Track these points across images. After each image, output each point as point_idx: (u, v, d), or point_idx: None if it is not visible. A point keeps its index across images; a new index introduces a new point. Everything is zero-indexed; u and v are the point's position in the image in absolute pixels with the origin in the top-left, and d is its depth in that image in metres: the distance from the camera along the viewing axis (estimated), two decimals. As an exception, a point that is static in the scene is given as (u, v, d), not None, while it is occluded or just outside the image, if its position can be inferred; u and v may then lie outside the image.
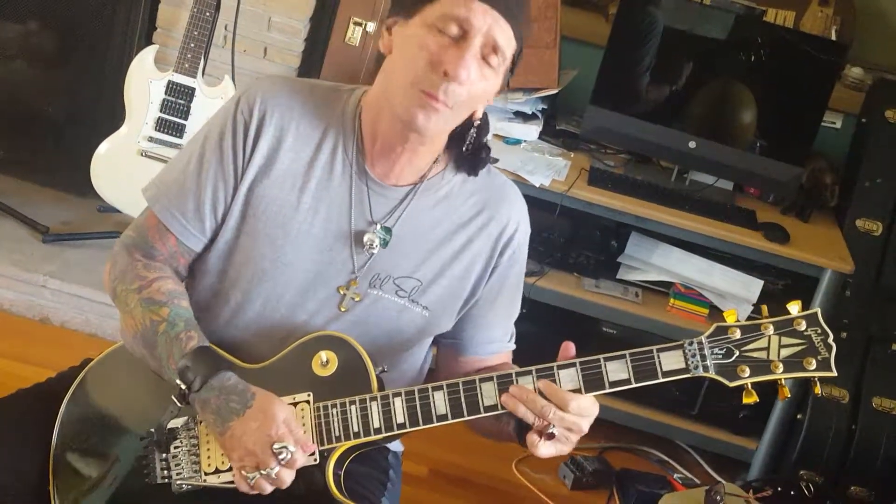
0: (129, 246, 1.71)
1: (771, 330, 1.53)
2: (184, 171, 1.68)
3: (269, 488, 1.53)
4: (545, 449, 1.52)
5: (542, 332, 3.31)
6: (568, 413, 1.51)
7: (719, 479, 3.23)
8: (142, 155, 3.19)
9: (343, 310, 1.66)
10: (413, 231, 1.68)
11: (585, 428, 1.54)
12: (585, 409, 1.52)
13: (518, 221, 1.75)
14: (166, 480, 1.60)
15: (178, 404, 1.58)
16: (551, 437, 1.51)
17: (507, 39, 1.59)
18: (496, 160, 1.76)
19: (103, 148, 3.21)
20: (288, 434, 1.53)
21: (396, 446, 1.89)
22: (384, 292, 1.67)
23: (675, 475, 3.23)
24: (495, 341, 1.79)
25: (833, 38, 3.43)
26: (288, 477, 1.53)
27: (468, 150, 1.70)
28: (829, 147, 3.46)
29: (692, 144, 3.20)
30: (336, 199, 1.67)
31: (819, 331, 1.52)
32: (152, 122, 3.18)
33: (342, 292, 1.66)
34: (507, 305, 1.79)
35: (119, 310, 1.68)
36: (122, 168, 3.20)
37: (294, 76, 3.39)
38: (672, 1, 3.20)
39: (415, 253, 1.68)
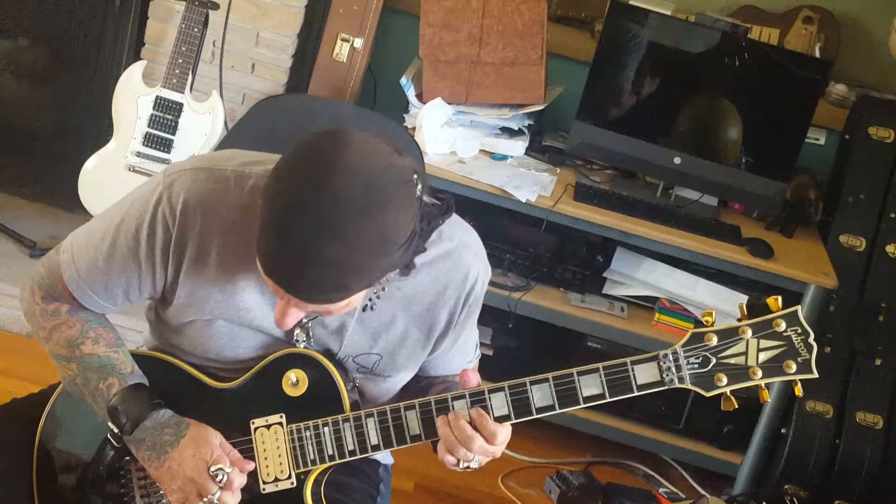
0: (35, 285, 1.67)
1: (749, 333, 1.49)
2: (97, 250, 1.61)
3: None
4: (453, 464, 1.53)
5: (528, 346, 3.34)
6: (491, 445, 1.52)
7: (704, 493, 3.24)
8: (130, 170, 3.19)
9: None
10: (367, 313, 1.62)
11: (498, 455, 1.55)
12: (505, 440, 1.53)
13: (477, 275, 1.65)
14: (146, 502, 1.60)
15: (115, 444, 1.59)
16: (468, 466, 1.53)
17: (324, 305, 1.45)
18: (450, 210, 1.54)
19: (91, 163, 3.21)
20: (223, 456, 1.54)
21: (387, 459, 1.88)
22: (344, 369, 1.64)
23: (661, 489, 3.24)
24: (456, 368, 1.75)
25: (817, 55, 3.47)
26: (230, 500, 1.54)
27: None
28: (813, 163, 3.49)
29: (677, 160, 3.23)
30: (268, 295, 1.58)
31: (799, 330, 1.48)
32: (140, 137, 3.19)
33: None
34: (465, 341, 1.74)
35: None
36: (110, 183, 3.20)
37: (283, 90, 3.41)
38: (657, 18, 3.23)
39: (370, 331, 1.63)
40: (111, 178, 3.20)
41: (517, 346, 3.31)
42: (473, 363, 1.80)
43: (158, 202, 1.55)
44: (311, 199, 1.33)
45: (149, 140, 3.19)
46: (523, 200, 3.08)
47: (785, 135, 3.21)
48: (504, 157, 3.32)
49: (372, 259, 1.38)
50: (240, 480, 1.55)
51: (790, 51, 3.41)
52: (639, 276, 3.31)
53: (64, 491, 1.63)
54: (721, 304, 3.24)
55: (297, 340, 1.61)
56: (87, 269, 1.61)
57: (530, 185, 3.16)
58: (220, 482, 1.52)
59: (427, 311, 1.63)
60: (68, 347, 1.62)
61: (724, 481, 3.29)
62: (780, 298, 1.50)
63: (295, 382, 1.59)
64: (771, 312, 1.49)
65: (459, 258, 1.62)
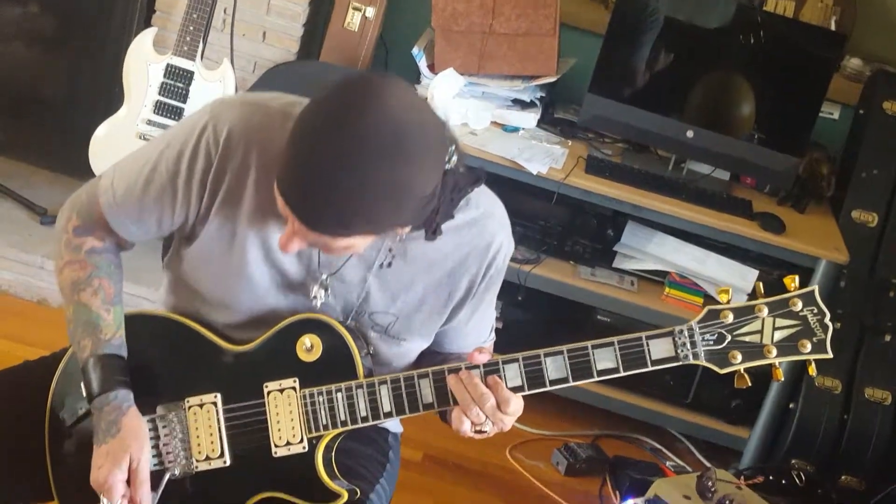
0: (73, 209, 1.68)
1: (765, 312, 1.48)
2: (137, 175, 1.62)
3: None
4: (467, 430, 1.53)
5: (537, 319, 3.34)
6: (502, 413, 1.51)
7: (710, 466, 3.25)
8: (140, 138, 3.19)
9: None
10: (388, 269, 1.62)
11: (508, 427, 1.55)
12: (517, 411, 1.53)
13: (500, 245, 1.65)
14: (158, 467, 1.60)
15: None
16: (481, 432, 1.53)
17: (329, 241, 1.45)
18: (480, 180, 1.58)
19: (102, 130, 3.21)
20: (115, 488, 1.53)
21: (396, 427, 1.89)
22: (359, 326, 1.65)
23: (668, 463, 3.24)
24: (471, 345, 1.74)
25: (832, 28, 3.43)
26: None
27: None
28: (826, 138, 3.46)
29: (690, 134, 3.21)
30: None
31: (815, 310, 1.48)
32: (151, 105, 3.18)
33: None
34: (482, 317, 1.74)
35: None
36: (121, 150, 3.13)
37: (295, 58, 3.39)
38: (672, -11, 3.20)
39: (389, 290, 1.63)
40: (122, 146, 3.20)
41: (526, 320, 3.30)
42: (488, 344, 1.79)
43: (203, 130, 1.56)
44: (337, 130, 1.35)
45: (159, 108, 3.18)
46: (534, 173, 3.07)
47: (799, 109, 3.19)
48: (516, 129, 3.30)
49: (379, 205, 1.38)
50: None
51: (805, 24, 3.38)
52: (649, 250, 3.31)
53: (74, 452, 1.64)
54: (732, 278, 3.23)
55: (315, 296, 1.61)
56: (125, 194, 1.62)
57: (542, 157, 3.14)
58: None
59: (447, 276, 1.63)
60: (71, 288, 1.63)
61: (731, 455, 3.30)
62: (797, 278, 1.50)
63: (309, 348, 1.59)
64: (788, 292, 1.49)
65: (484, 227, 1.63)
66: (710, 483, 2.14)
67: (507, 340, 1.80)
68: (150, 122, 3.18)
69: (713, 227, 3.12)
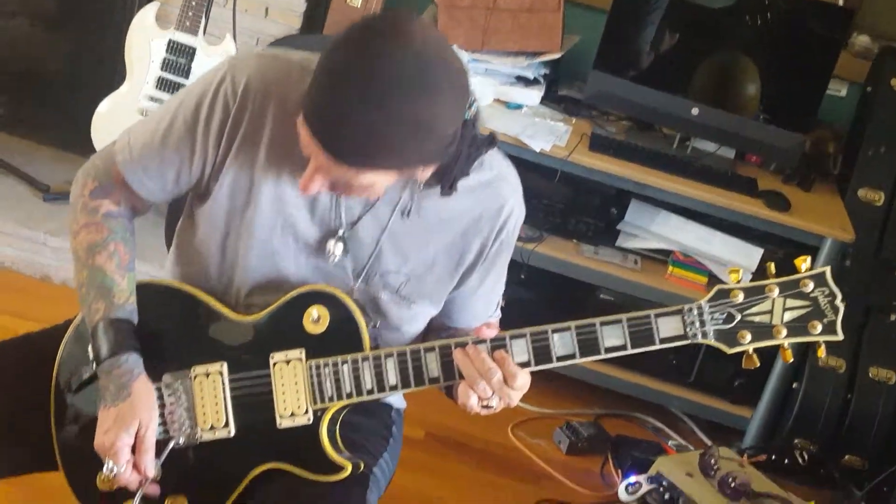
0: (89, 174, 1.69)
1: (776, 292, 1.47)
2: (154, 133, 1.63)
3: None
4: (474, 405, 1.53)
5: (540, 298, 3.33)
6: (509, 388, 1.51)
7: (713, 444, 3.24)
8: (142, 114, 3.18)
9: None
10: (400, 228, 1.63)
11: (515, 402, 1.54)
12: (524, 386, 1.53)
13: (512, 209, 1.66)
14: (163, 436, 1.60)
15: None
16: (487, 407, 1.52)
17: (351, 177, 1.46)
18: (494, 142, 1.61)
19: (104, 106, 3.20)
20: (122, 452, 1.53)
21: (399, 403, 1.88)
22: (371, 287, 1.65)
23: (670, 442, 3.24)
24: (479, 318, 1.75)
25: (840, 4, 3.40)
26: (130, 479, 1.55)
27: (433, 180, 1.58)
28: (833, 115, 3.44)
29: (695, 111, 3.18)
30: (311, 199, 1.61)
31: (826, 291, 1.47)
32: (153, 81, 3.17)
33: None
34: (491, 288, 1.75)
35: None
36: (123, 126, 3.12)
37: (298, 34, 3.37)
38: (677, -35, 3.17)
39: (402, 249, 1.64)
40: (124, 122, 3.13)
41: (529, 298, 3.29)
42: (494, 319, 1.79)
43: (221, 81, 1.58)
44: (364, 62, 1.37)
45: (161, 84, 3.17)
46: (538, 150, 3.06)
47: (805, 86, 3.17)
48: (519, 107, 3.29)
49: (403, 138, 1.40)
50: (130, 481, 1.55)
51: (813, 0, 3.35)
52: (653, 229, 3.29)
53: (79, 417, 1.64)
54: (736, 257, 3.22)
55: (332, 253, 1.61)
56: (142, 149, 1.63)
57: (545, 134, 3.13)
58: (109, 470, 1.54)
59: (460, 237, 1.64)
60: (87, 251, 1.63)
61: (733, 435, 3.29)
62: (809, 259, 1.49)
63: (316, 319, 1.58)
64: (799, 273, 1.49)
65: (497, 189, 1.64)
66: (712, 461, 2.14)
67: (509, 319, 1.79)
68: (152, 98, 3.17)
69: (718, 205, 3.10)
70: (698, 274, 3.25)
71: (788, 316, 1.47)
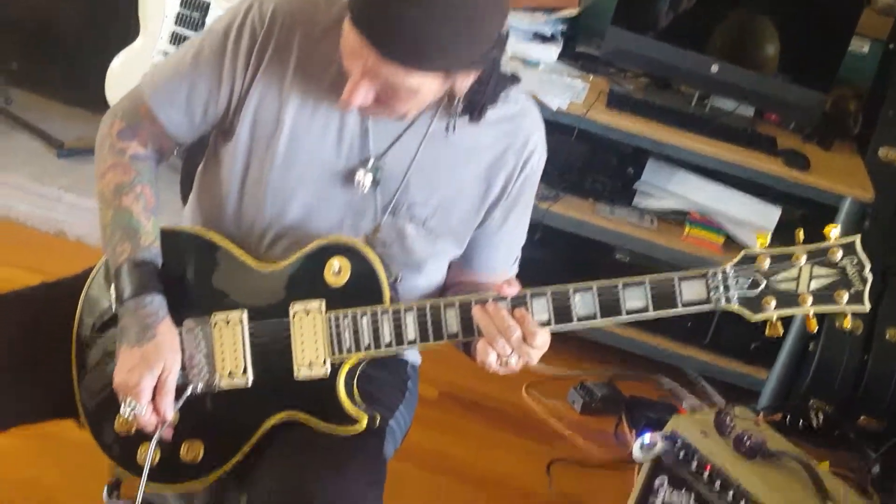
0: (116, 114, 1.70)
1: (803, 260, 1.44)
2: (180, 63, 1.65)
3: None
4: (493, 363, 1.52)
5: (555, 257, 3.31)
6: (528, 347, 1.50)
7: (729, 404, 3.24)
8: (141, 81, 3.15)
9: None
10: (427, 159, 1.64)
11: (535, 361, 1.53)
12: (544, 345, 1.52)
13: (536, 145, 1.69)
14: (181, 381, 1.59)
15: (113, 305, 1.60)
16: (506, 363, 1.52)
17: (404, 78, 1.47)
18: (518, 80, 1.65)
19: (117, 62, 3.19)
20: (145, 392, 1.54)
21: (415, 358, 1.88)
22: (398, 219, 1.65)
23: (684, 403, 3.24)
24: (497, 264, 1.76)
25: (864, -40, 3.34)
26: (148, 420, 1.55)
27: (463, 104, 1.61)
28: (855, 74, 3.39)
29: (715, 68, 3.14)
30: (350, 125, 1.63)
31: (855, 261, 1.44)
32: (167, 36, 3.15)
33: (369, 239, 1.65)
34: (513, 230, 1.75)
35: None
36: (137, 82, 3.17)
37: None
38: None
39: (429, 181, 1.65)
40: (138, 78, 3.16)
41: (543, 258, 3.27)
42: (513, 271, 1.79)
43: (249, 9, 1.62)
44: None
45: (175, 39, 3.15)
46: (554, 108, 3.03)
47: (827, 43, 3.12)
48: (536, 64, 3.25)
49: (454, 35, 1.42)
50: (148, 423, 1.55)
51: (836, -45, 3.29)
52: (670, 188, 3.26)
53: (100, 360, 1.64)
54: (754, 217, 3.19)
55: (361, 184, 1.62)
56: (170, 79, 1.65)
57: (562, 92, 3.09)
58: (130, 411, 1.54)
59: (486, 170, 1.66)
60: (113, 192, 1.63)
61: (748, 396, 3.28)
62: (838, 227, 1.46)
63: (337, 271, 1.58)
64: (828, 240, 1.45)
65: (522, 123, 1.67)
66: (728, 420, 2.13)
67: (524, 279, 1.79)
68: (166, 54, 3.15)
69: (736, 163, 3.07)
70: (715, 234, 3.22)
71: (815, 284, 1.45)
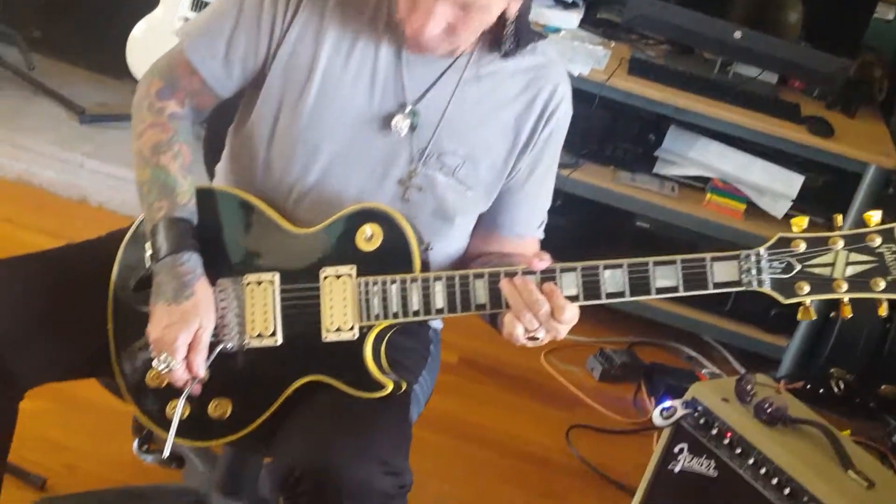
0: (154, 74, 1.71)
1: (840, 244, 1.42)
2: (221, 15, 1.67)
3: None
4: (520, 336, 1.52)
5: (576, 225, 3.30)
6: (556, 322, 1.50)
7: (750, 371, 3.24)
8: (178, 36, 3.15)
9: (407, 200, 1.67)
10: (458, 108, 1.67)
11: (563, 335, 1.53)
12: (572, 319, 1.51)
13: (562, 98, 1.72)
14: (212, 339, 1.61)
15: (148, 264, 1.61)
16: (534, 339, 1.52)
17: None
18: (544, 36, 1.71)
19: (139, 29, 3.18)
20: (181, 349, 1.55)
21: (437, 323, 1.90)
22: (428, 169, 1.67)
23: (704, 370, 3.24)
24: (523, 226, 1.77)
25: (891, -77, 3.30)
26: (179, 375, 1.57)
27: (503, 38, 1.65)
28: (880, 40, 3.35)
29: (738, 35, 3.11)
30: (382, 72, 1.65)
31: (894, 248, 1.41)
32: (188, 3, 3.14)
33: (403, 184, 1.66)
34: (538, 187, 1.76)
35: None
36: (159, 49, 3.08)
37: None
38: None
39: (458, 128, 1.67)
40: (159, 45, 3.11)
41: (564, 225, 3.26)
42: (538, 233, 1.80)
43: None
44: None
45: (197, 5, 3.14)
46: (576, 74, 3.01)
47: (851, 9, 3.10)
48: (557, 30, 3.23)
49: None
50: (180, 378, 1.57)
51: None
52: (692, 156, 3.25)
53: (136, 317, 1.65)
54: (776, 184, 3.17)
55: (398, 129, 1.64)
56: (209, 31, 1.67)
57: (583, 58, 3.08)
58: (163, 368, 1.56)
59: (515, 121, 1.69)
60: (152, 150, 1.65)
61: (768, 364, 3.28)
62: (880, 213, 1.43)
63: (369, 237, 1.59)
64: (868, 226, 1.43)
65: (549, 73, 1.71)
66: (749, 387, 2.12)
67: (545, 246, 1.79)
68: (187, 20, 3.15)
69: (759, 130, 3.05)
70: (737, 201, 3.21)
71: (851, 270, 1.42)
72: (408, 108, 1.65)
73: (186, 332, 1.56)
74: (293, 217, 1.66)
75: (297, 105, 1.65)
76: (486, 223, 1.77)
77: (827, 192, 3.28)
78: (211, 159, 1.93)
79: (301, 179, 1.67)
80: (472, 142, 1.68)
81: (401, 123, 1.64)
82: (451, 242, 1.74)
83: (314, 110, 1.64)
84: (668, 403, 2.16)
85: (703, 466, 2.13)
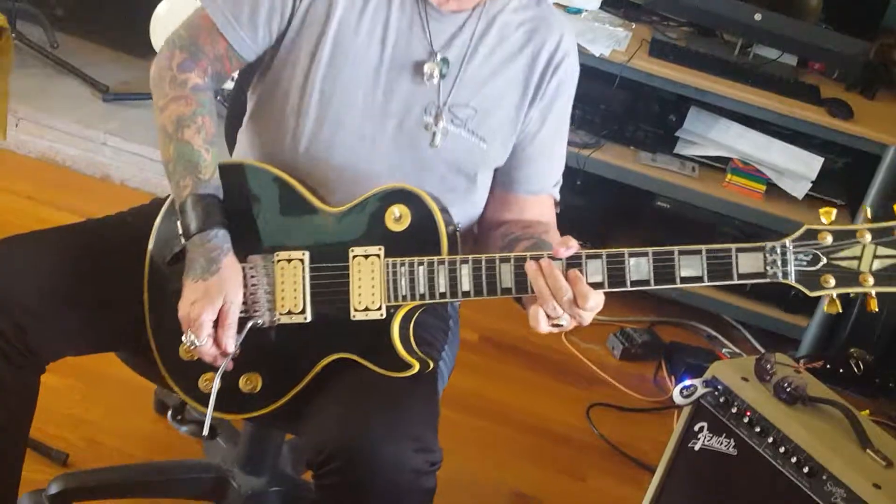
0: (174, 46, 1.70)
1: (867, 238, 1.39)
2: None
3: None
4: (544, 326, 1.52)
5: (597, 205, 3.32)
6: (580, 309, 1.50)
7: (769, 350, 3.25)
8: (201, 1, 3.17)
9: (436, 146, 1.70)
10: (470, 60, 1.70)
11: (587, 322, 1.53)
12: (597, 307, 1.51)
13: (566, 51, 1.75)
14: (243, 315, 1.62)
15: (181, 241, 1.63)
16: (558, 325, 1.52)
17: None
18: None
19: (163, 8, 3.20)
20: (205, 325, 1.56)
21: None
22: (442, 121, 1.69)
23: (724, 350, 3.26)
24: (539, 183, 1.79)
25: None
26: (207, 352, 1.58)
27: None
28: (900, 22, 3.35)
29: (758, 17, 3.12)
30: (395, 24, 1.68)
31: None
32: (210, -17, 3.15)
33: (430, 129, 1.69)
34: (551, 139, 1.78)
35: None
36: None
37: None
38: None
39: (471, 81, 1.70)
40: None
41: (584, 205, 3.29)
42: (554, 192, 1.82)
43: None
44: None
45: (219, -14, 3.15)
46: (597, 55, 3.02)
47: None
48: (578, 11, 3.24)
49: None
50: (209, 353, 1.59)
51: None
52: (712, 136, 3.25)
53: (170, 292, 1.66)
54: (796, 165, 3.18)
55: (430, 76, 1.68)
56: None
57: (604, 39, 3.08)
58: (189, 344, 1.58)
59: (522, 71, 1.73)
60: (175, 125, 1.65)
61: (787, 344, 3.29)
62: None
63: (398, 218, 1.60)
64: (895, 220, 1.40)
65: (552, 24, 1.75)
66: (768, 366, 2.14)
67: (565, 225, 1.80)
68: None
69: (779, 112, 3.06)
70: (757, 182, 3.22)
71: (878, 264, 1.40)
72: (438, 57, 1.68)
73: (210, 308, 1.57)
74: (308, 182, 1.68)
75: (313, 63, 1.66)
76: (503, 181, 1.79)
77: (846, 173, 3.28)
78: (230, 125, 1.96)
79: (313, 144, 1.68)
80: (483, 95, 1.71)
81: (434, 70, 1.68)
82: (473, 205, 1.76)
83: (329, 67, 1.66)
84: (688, 382, 2.17)
85: (723, 445, 2.14)
